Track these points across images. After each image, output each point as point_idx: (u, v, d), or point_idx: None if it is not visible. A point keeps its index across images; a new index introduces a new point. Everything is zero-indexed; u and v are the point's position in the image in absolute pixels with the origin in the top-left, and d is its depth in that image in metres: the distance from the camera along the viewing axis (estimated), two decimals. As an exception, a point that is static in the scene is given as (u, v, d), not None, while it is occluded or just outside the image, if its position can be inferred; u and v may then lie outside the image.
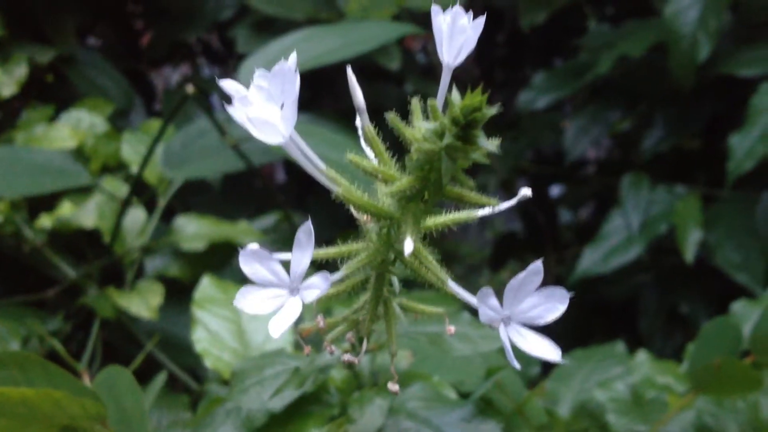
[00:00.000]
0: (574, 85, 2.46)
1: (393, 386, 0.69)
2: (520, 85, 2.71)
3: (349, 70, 0.68)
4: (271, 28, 2.22)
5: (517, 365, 0.59)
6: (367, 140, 0.68)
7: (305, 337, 0.71)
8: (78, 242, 1.77)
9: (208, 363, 1.07)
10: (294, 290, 0.61)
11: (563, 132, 2.57)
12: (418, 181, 0.61)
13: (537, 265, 0.60)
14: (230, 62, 2.95)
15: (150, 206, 1.77)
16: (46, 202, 1.83)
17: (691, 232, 2.08)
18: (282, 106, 0.62)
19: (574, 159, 2.54)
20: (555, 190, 3.23)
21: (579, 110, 2.53)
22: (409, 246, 0.59)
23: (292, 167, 2.92)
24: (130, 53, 2.72)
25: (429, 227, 0.67)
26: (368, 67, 2.21)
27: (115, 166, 1.89)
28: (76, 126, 1.88)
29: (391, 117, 0.62)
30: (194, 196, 2.06)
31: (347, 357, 0.71)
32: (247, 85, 0.65)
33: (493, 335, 0.81)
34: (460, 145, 0.58)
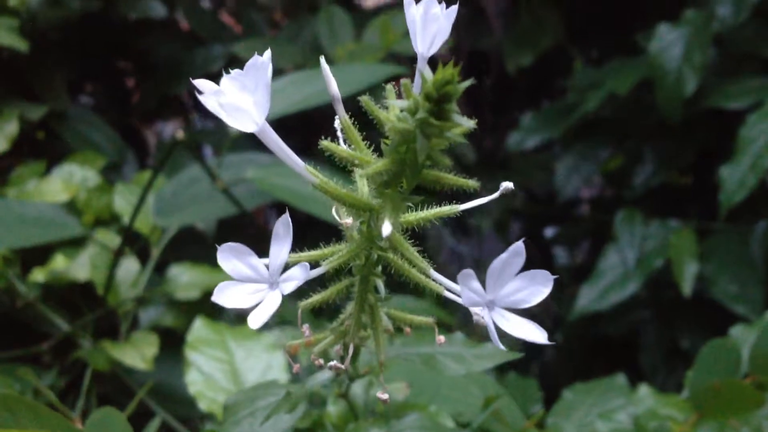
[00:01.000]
0: (563, 124, 2.48)
1: (382, 395, 0.68)
2: (509, 127, 2.73)
3: (323, 60, 0.69)
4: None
5: (501, 346, 0.59)
6: (343, 130, 0.68)
7: (293, 355, 0.70)
8: (71, 295, 1.76)
9: (203, 406, 1.06)
10: (273, 284, 0.60)
11: (554, 171, 2.58)
12: (395, 164, 0.61)
13: (518, 246, 0.59)
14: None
15: (144, 257, 1.77)
16: (39, 257, 1.82)
17: (688, 266, 2.08)
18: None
19: (566, 198, 2.54)
20: (549, 232, 3.23)
21: (568, 149, 2.54)
22: (387, 228, 0.59)
23: (283, 212, 2.92)
24: (122, 108, 2.73)
25: (411, 222, 0.67)
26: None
27: (108, 219, 1.89)
28: (68, 180, 1.88)
29: (364, 100, 0.62)
30: (188, 246, 2.06)
31: (333, 363, 0.70)
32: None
33: (487, 354, 0.80)
34: (435, 122, 0.57)
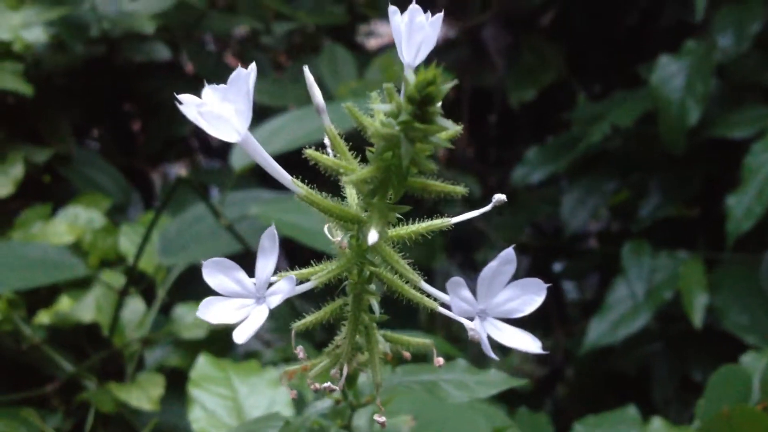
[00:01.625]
0: (567, 158, 2.48)
1: (379, 418, 0.67)
2: (514, 162, 2.73)
3: (306, 70, 0.69)
4: (264, 117, 2.25)
5: (494, 356, 0.57)
6: (329, 140, 0.68)
7: (291, 381, 0.69)
8: (77, 337, 1.75)
9: (207, 443, 1.05)
10: (260, 299, 0.59)
11: (560, 205, 2.57)
12: (380, 171, 0.61)
13: (509, 253, 0.58)
14: (228, 156, 2.98)
15: (149, 298, 1.76)
16: (44, 299, 1.82)
17: (697, 297, 2.06)
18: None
19: (573, 231, 2.54)
20: (557, 266, 3.21)
21: (574, 183, 2.54)
22: (373, 236, 0.58)
23: (293, 253, 2.92)
24: (128, 151, 2.75)
25: (402, 236, 0.66)
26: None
27: (114, 260, 1.88)
28: (74, 222, 1.88)
29: (348, 106, 0.62)
30: (193, 286, 2.05)
31: (327, 385, 0.69)
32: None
33: (490, 381, 0.79)
34: (418, 125, 0.57)
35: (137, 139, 2.83)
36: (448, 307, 0.66)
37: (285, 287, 0.58)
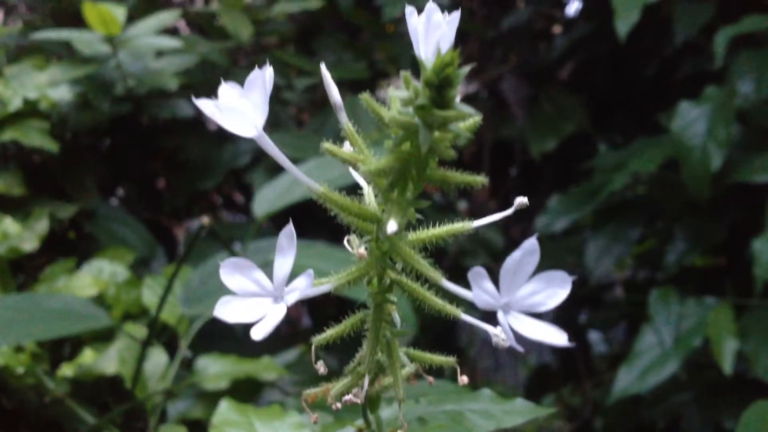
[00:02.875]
0: (590, 206, 2.47)
1: None
2: (537, 213, 2.72)
3: (322, 66, 0.69)
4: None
5: (520, 348, 0.56)
6: (347, 136, 0.68)
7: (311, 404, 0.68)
8: (99, 390, 1.74)
9: (229, 489, 1.03)
10: (277, 297, 0.59)
11: (584, 255, 2.55)
12: (399, 161, 0.60)
13: (532, 243, 0.57)
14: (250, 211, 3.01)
15: (172, 350, 1.76)
16: (68, 354, 1.82)
17: (727, 343, 2.02)
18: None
19: (598, 280, 2.51)
20: (583, 318, 3.18)
21: (598, 231, 2.52)
22: (392, 226, 0.57)
23: (317, 312, 2.91)
24: (152, 208, 2.77)
25: (423, 239, 0.65)
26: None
27: (138, 313, 1.89)
28: (98, 275, 1.89)
29: (364, 97, 0.61)
30: (216, 338, 2.04)
31: (350, 398, 0.67)
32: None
33: (517, 410, 0.77)
34: (437, 111, 0.55)
35: (161, 196, 2.86)
36: (471, 314, 0.65)
37: (302, 284, 0.58)
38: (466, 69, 0.55)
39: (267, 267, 1.64)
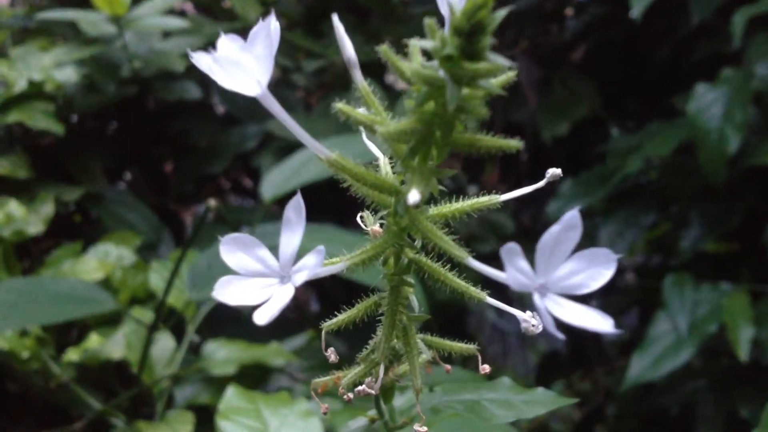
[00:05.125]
0: (603, 191, 2.43)
1: (420, 428, 0.61)
2: (548, 198, 2.69)
3: (335, 18, 0.62)
4: (293, 153, 2.24)
5: (560, 335, 0.49)
6: (361, 96, 0.62)
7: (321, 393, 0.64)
8: (106, 375, 1.72)
9: (236, 477, 1.00)
10: (284, 277, 0.53)
11: (597, 240, 2.52)
12: (420, 123, 0.53)
13: (573, 216, 0.50)
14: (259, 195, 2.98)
15: (179, 335, 1.73)
16: (74, 339, 1.80)
17: (743, 330, 1.98)
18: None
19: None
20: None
21: (611, 216, 2.48)
22: (414, 196, 0.50)
23: (325, 296, 2.88)
24: (159, 192, 2.75)
25: (445, 214, 0.60)
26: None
27: (144, 298, 1.86)
28: (104, 259, 1.87)
29: (383, 49, 0.55)
30: (224, 322, 2.02)
31: (363, 388, 0.63)
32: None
33: (537, 400, 0.74)
34: (467, 63, 0.49)
35: (169, 180, 2.83)
36: (496, 297, 0.61)
37: (311, 262, 0.51)
38: (503, 12, 0.48)
39: (275, 251, 1.61)
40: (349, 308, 0.64)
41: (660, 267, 2.71)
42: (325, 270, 0.57)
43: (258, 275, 0.54)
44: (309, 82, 2.85)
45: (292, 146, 2.26)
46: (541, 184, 0.62)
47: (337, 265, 0.58)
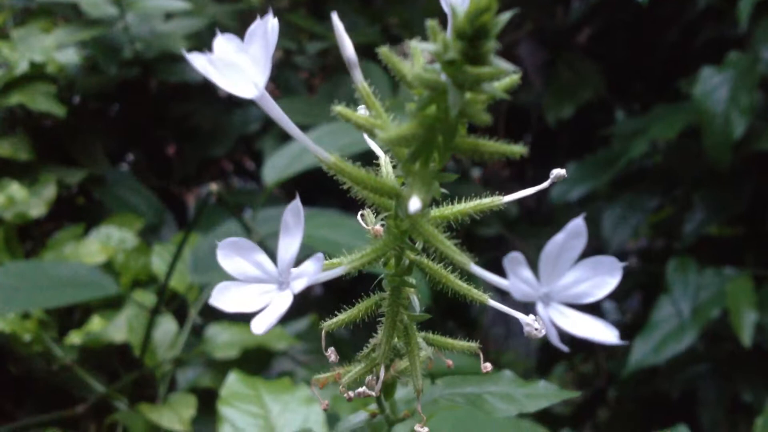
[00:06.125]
0: (607, 174, 2.42)
1: (421, 429, 0.61)
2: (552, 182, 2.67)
3: (334, 16, 0.60)
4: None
5: (563, 347, 0.49)
6: (361, 97, 0.61)
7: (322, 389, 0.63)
8: (108, 358, 1.72)
9: (238, 463, 1.00)
10: (283, 283, 0.52)
11: (600, 224, 2.51)
12: (422, 128, 0.51)
13: (577, 224, 0.49)
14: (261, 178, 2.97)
15: (182, 318, 1.73)
16: (76, 322, 1.80)
17: (746, 315, 1.98)
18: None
19: (614, 250, 2.47)
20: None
21: (614, 200, 2.47)
22: (415, 204, 0.49)
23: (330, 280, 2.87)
24: (162, 174, 2.74)
25: (447, 216, 0.59)
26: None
27: (147, 281, 1.86)
28: (106, 241, 1.86)
29: (383, 51, 0.54)
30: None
31: (363, 390, 0.62)
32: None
33: (540, 394, 0.73)
34: (470, 67, 0.47)
35: (171, 162, 2.82)
36: (499, 300, 0.60)
37: (311, 269, 0.50)
38: (507, 16, 0.47)
39: (276, 237, 1.60)
40: (350, 308, 0.63)
41: (663, 251, 2.70)
42: (325, 275, 0.55)
43: (256, 281, 0.52)
44: (311, 63, 2.83)
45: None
46: (545, 185, 0.61)
47: (336, 270, 0.57)
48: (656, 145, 2.46)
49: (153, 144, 2.84)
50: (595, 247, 2.82)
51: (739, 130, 2.07)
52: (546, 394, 0.73)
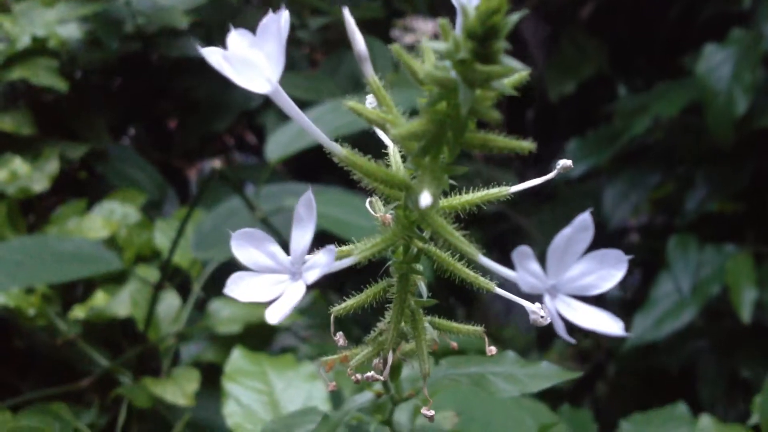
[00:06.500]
0: (609, 151, 2.42)
1: (427, 412, 0.62)
2: (554, 157, 2.68)
3: (345, 11, 0.61)
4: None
5: (570, 339, 0.50)
6: (372, 92, 0.61)
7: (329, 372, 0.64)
8: (112, 332, 1.73)
9: (241, 438, 1.01)
10: (295, 274, 0.53)
11: (602, 200, 2.51)
12: (433, 124, 0.52)
13: (585, 218, 0.49)
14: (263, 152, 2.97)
15: (185, 293, 1.74)
16: (80, 296, 1.81)
17: (746, 292, 1.99)
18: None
19: (615, 226, 2.47)
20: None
21: (616, 176, 2.48)
22: (425, 199, 0.50)
23: (326, 241, 2.88)
24: (164, 149, 2.74)
25: (455, 206, 0.60)
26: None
27: (149, 256, 1.87)
28: (109, 217, 1.87)
29: (395, 48, 0.55)
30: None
31: (370, 375, 0.63)
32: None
33: (542, 374, 0.74)
34: (480, 66, 0.48)
35: (173, 137, 2.82)
36: (506, 288, 0.60)
37: (323, 260, 0.51)
38: (516, 16, 0.48)
39: (279, 213, 1.61)
40: (357, 293, 0.64)
41: (664, 227, 2.70)
42: (336, 265, 0.55)
43: (269, 271, 0.53)
44: (314, 38, 2.82)
45: (298, 104, 2.25)
46: (550, 176, 0.62)
47: (347, 260, 0.57)
48: (658, 121, 2.45)
49: (154, 118, 2.84)
50: (596, 223, 2.83)
51: (742, 107, 2.07)
52: (548, 374, 0.74)
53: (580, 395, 2.70)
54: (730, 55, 2.13)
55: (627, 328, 1.65)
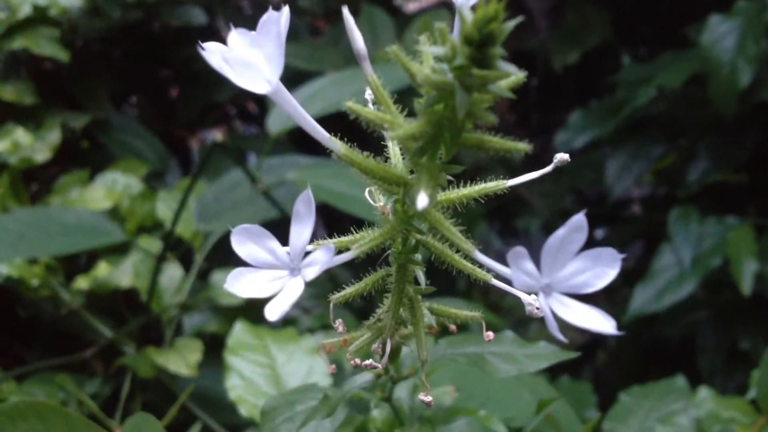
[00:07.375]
0: (612, 122, 2.41)
1: (425, 397, 0.63)
2: (557, 127, 2.67)
3: (345, 10, 0.61)
4: (302, 82, 2.22)
5: (561, 337, 0.51)
6: (371, 90, 0.62)
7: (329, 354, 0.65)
8: (115, 302, 1.75)
9: (244, 411, 1.02)
10: (294, 270, 0.53)
11: (604, 171, 2.51)
12: (430, 126, 0.53)
13: (579, 219, 0.50)
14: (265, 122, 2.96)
15: (187, 264, 1.75)
16: (83, 266, 1.82)
17: (747, 264, 1.99)
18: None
19: (617, 197, 2.47)
20: (599, 233, 3.15)
21: (619, 148, 2.47)
22: (423, 200, 0.51)
23: (333, 224, 2.90)
24: (166, 118, 2.73)
25: (452, 200, 0.60)
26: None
27: (152, 226, 1.87)
28: (111, 187, 1.87)
29: (393, 50, 0.55)
30: (232, 252, 2.04)
31: (369, 362, 0.64)
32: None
33: (540, 354, 0.74)
34: (477, 71, 0.49)
35: (175, 106, 2.81)
36: (502, 279, 0.61)
37: (322, 257, 0.51)
38: (512, 24, 0.48)
39: (281, 187, 1.60)
40: (357, 281, 0.65)
41: (666, 198, 2.70)
42: (335, 260, 0.56)
43: (268, 267, 0.54)
44: (316, 6, 2.80)
45: (300, 75, 2.24)
46: (548, 169, 0.62)
47: (346, 254, 0.58)
48: (662, 92, 2.44)
49: (155, 86, 2.83)
50: (599, 193, 2.83)
51: (746, 79, 2.05)
52: (546, 354, 0.75)
53: (580, 364, 2.72)
54: (735, 27, 2.11)
55: (628, 299, 1.65)
